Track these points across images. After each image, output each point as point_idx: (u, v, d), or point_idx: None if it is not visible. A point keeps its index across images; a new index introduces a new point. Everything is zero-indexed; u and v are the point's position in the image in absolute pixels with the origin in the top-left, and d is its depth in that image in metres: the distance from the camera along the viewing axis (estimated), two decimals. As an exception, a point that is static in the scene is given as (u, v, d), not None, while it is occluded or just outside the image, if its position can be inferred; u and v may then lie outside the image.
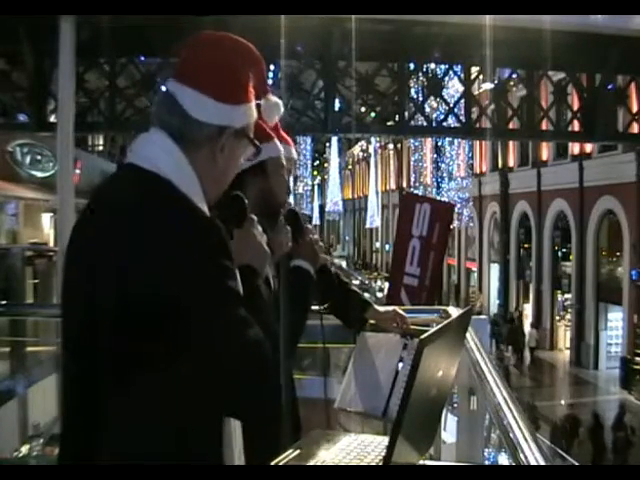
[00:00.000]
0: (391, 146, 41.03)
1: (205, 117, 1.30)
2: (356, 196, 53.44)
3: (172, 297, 1.16)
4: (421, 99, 14.88)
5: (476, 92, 16.36)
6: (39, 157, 14.66)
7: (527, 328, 23.29)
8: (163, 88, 1.35)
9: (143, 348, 1.17)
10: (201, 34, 1.38)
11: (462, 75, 14.20)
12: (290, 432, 1.89)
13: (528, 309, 25.12)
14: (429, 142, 30.62)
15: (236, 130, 1.32)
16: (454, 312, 3.09)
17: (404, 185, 37.25)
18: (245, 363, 1.21)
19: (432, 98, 15.12)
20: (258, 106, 1.40)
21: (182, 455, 1.20)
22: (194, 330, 1.16)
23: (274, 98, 1.34)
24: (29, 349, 6.07)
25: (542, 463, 1.54)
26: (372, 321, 2.51)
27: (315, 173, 56.34)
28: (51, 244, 15.15)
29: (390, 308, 2.58)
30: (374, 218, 43.01)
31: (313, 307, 2.28)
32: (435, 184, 29.08)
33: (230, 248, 1.24)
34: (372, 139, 41.21)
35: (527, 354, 21.64)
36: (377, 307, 2.50)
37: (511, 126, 15.07)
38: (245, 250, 1.33)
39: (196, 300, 1.17)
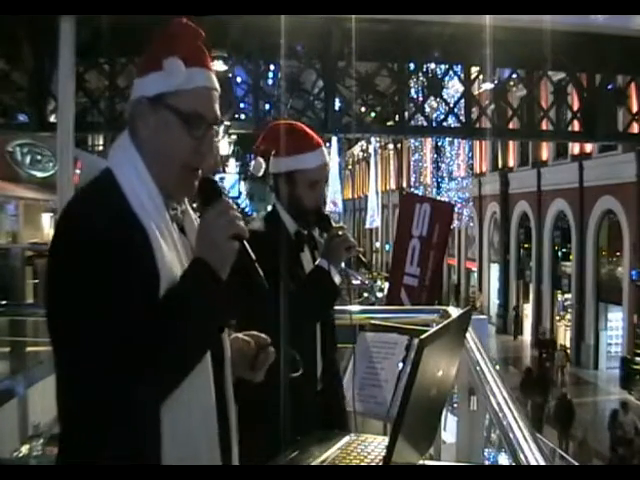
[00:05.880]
0: (391, 146, 40.96)
1: (132, 94, 1.39)
2: (356, 196, 53.33)
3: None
4: (421, 99, 14.88)
5: (476, 92, 16.34)
6: (39, 157, 14.63)
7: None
8: None
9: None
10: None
11: (462, 75, 14.19)
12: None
13: (528, 309, 25.11)
14: (429, 142, 30.58)
15: (149, 98, 1.35)
16: (454, 312, 3.09)
17: (404, 185, 37.20)
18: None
19: (432, 98, 15.12)
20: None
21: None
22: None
23: (176, 60, 1.34)
24: (29, 349, 6.06)
25: (542, 463, 1.54)
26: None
27: (315, 173, 56.21)
28: (51, 244, 15.08)
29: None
30: (374, 218, 42.88)
31: None
32: (435, 184, 29.04)
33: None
34: (372, 139, 41.12)
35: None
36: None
37: (511, 126, 15.07)
38: (204, 238, 1.28)
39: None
